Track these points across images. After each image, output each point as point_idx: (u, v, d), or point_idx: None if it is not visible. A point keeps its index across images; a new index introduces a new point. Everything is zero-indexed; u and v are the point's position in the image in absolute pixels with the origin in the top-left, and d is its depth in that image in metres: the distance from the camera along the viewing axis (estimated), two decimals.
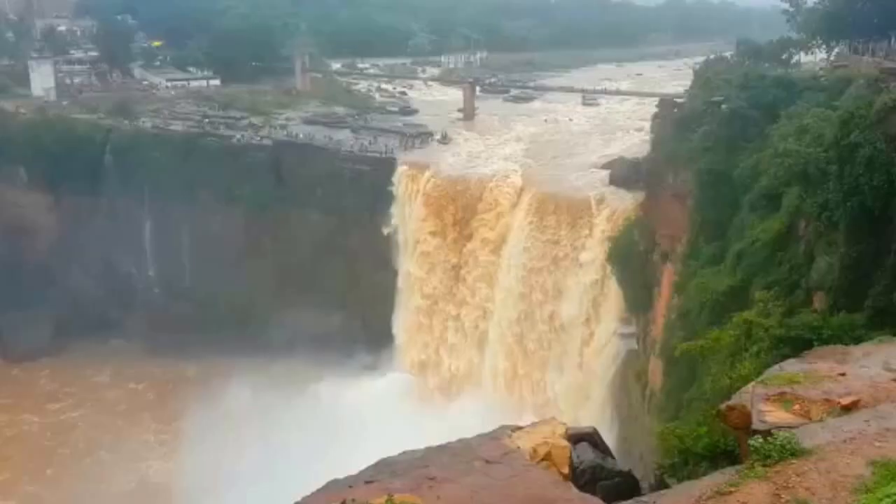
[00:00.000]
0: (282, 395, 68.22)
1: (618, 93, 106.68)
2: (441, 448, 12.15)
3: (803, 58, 66.06)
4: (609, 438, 19.24)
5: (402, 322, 74.87)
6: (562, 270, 63.39)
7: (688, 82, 72.48)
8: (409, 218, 74.16)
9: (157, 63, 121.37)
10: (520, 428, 13.02)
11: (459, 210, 70.86)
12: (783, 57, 63.31)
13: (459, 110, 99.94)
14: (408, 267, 74.24)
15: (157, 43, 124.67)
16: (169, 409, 73.25)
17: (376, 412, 62.80)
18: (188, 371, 79.98)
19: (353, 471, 11.82)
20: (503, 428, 12.96)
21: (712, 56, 77.19)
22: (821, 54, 65.82)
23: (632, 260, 55.90)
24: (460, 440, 12.40)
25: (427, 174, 73.83)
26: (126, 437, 72.62)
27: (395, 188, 75.35)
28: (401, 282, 75.24)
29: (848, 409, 12.50)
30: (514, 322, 66.02)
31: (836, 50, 61.98)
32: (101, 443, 71.99)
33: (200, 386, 72.76)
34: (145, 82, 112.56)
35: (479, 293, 69.18)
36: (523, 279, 65.44)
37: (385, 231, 76.28)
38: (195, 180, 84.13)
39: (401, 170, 75.66)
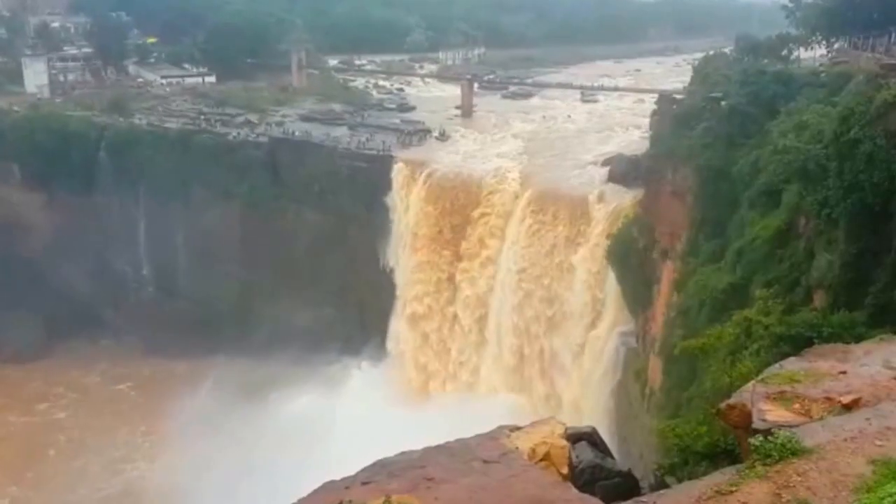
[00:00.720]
0: (276, 396, 68.31)
1: (616, 89, 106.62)
2: (439, 448, 12.12)
3: (803, 54, 65.98)
4: (608, 438, 19.25)
5: (399, 321, 74.86)
6: (560, 268, 63.39)
7: (687, 78, 72.49)
8: (406, 215, 74.11)
9: (152, 60, 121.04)
10: (518, 428, 13.00)
11: (457, 208, 70.81)
12: (783, 53, 63.24)
13: (457, 107, 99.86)
14: (405, 265, 74.19)
15: (151, 39, 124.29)
16: (160, 410, 72.68)
17: (370, 414, 62.83)
18: (181, 371, 79.68)
19: (349, 472, 11.79)
20: (501, 428, 12.93)
21: (711, 52, 77.02)
22: (820, 50, 65.74)
23: (631, 257, 55.92)
24: (458, 440, 12.37)
25: (425, 171, 73.77)
26: (114, 438, 72.35)
27: (393, 185, 75.28)
28: (398, 280, 75.21)
29: (849, 407, 12.50)
30: (513, 318, 66.00)
31: (836, 46, 61.91)
32: (88, 444, 71.62)
33: (193, 386, 72.65)
34: (140, 79, 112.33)
35: (477, 289, 69.15)
36: (521, 276, 65.43)
37: (383, 229, 76.21)
38: (190, 178, 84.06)
39: (398, 167, 75.61)
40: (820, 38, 63.50)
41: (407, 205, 74.05)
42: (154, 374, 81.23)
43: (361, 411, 63.60)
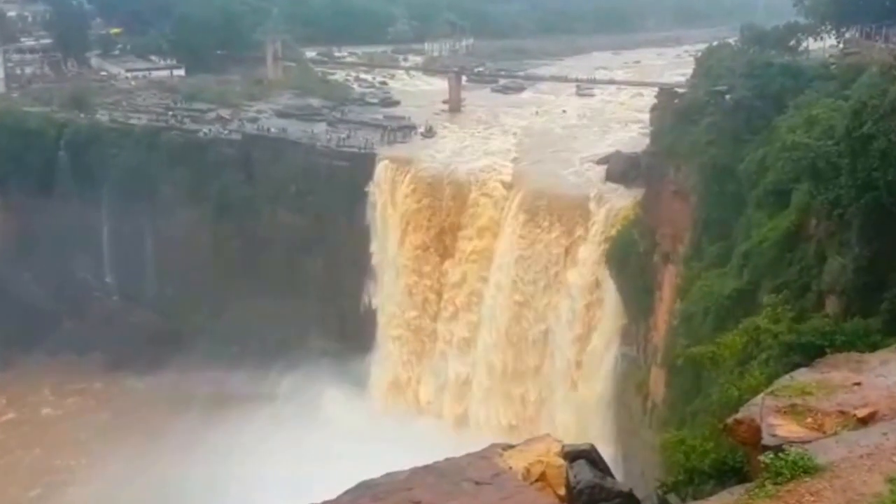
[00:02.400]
0: (249, 414, 68.13)
1: (614, 82, 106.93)
2: (427, 469, 12.03)
3: (812, 44, 66.39)
4: (608, 455, 19.20)
5: (383, 334, 74.74)
6: (555, 273, 63.48)
7: (689, 71, 72.79)
8: (390, 217, 74.06)
9: (116, 52, 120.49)
10: (511, 446, 12.92)
11: (445, 210, 70.84)
12: (791, 43, 63.62)
13: (444, 102, 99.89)
14: (388, 272, 74.11)
15: (115, 30, 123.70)
16: (122, 431, 71.78)
17: (352, 434, 62.78)
18: (146, 386, 79.14)
19: (330, 495, 11.68)
20: (493, 446, 12.85)
21: (715, 43, 77.48)
22: (831, 40, 66.13)
23: (630, 262, 56.11)
24: (447, 460, 12.29)
25: (410, 171, 73.74)
26: (67, 462, 71.18)
27: (376, 185, 75.22)
28: (381, 289, 75.10)
29: (864, 421, 12.50)
30: (505, 327, 66.06)
31: (847, 36, 62.30)
32: (30, 468, 70.24)
33: (158, 402, 72.32)
34: (103, 72, 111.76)
35: (466, 298, 69.13)
36: (514, 282, 65.49)
37: (365, 233, 76.08)
38: (157, 178, 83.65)
39: (382, 166, 75.57)
40: (830, 27, 63.85)
41: (391, 206, 73.99)
42: (120, 391, 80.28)
43: (343, 431, 63.57)
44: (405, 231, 72.67)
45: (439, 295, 71.08)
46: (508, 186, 68.83)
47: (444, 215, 71.06)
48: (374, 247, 75.89)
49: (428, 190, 72.11)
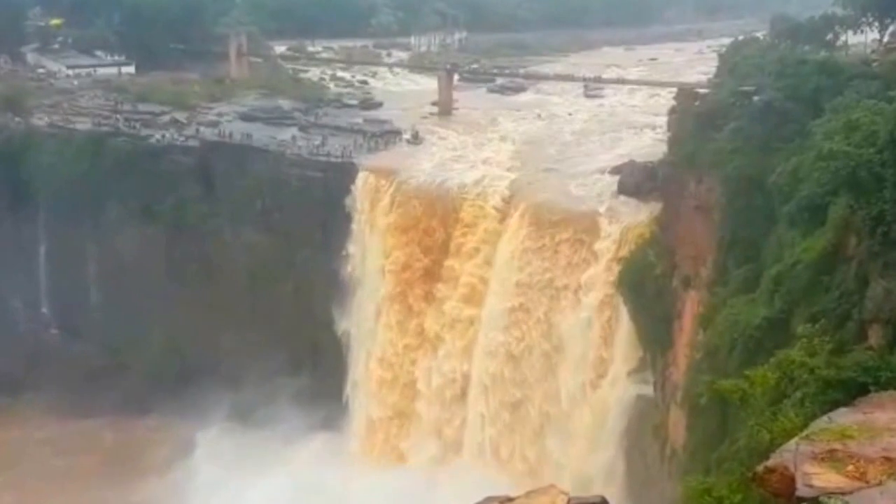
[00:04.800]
0: (204, 467, 67.79)
1: (627, 82, 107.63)
2: None
3: (851, 38, 67.15)
4: None
5: (362, 371, 74.56)
6: (561, 301, 63.51)
7: (712, 69, 73.54)
8: (370, 237, 74.07)
9: (56, 46, 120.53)
10: (511, 499, 12.93)
11: (434, 228, 70.89)
12: (827, 37, 64.35)
13: (433, 104, 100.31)
14: (368, 301, 74.03)
15: (55, 21, 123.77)
16: (54, 490, 70.45)
17: (330, 483, 62.45)
18: (90, 432, 78.51)
19: None
20: (490, 499, 12.86)
21: (741, 37, 78.44)
22: (873, 34, 66.89)
23: (646, 287, 56.18)
24: None
25: (394, 183, 73.86)
26: None
27: (354, 200, 75.30)
28: (360, 319, 74.99)
29: None
30: (503, 365, 65.91)
31: (891, 29, 63.08)
32: None
33: (105, 452, 71.72)
34: (41, 69, 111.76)
35: (457, 332, 69.06)
36: (513, 312, 65.44)
37: (341, 255, 76.10)
38: (103, 192, 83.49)
39: (361, 177, 75.67)
40: (872, 19, 64.55)
41: (372, 224, 74.03)
42: (56, 441, 79.18)
43: (315, 485, 63.33)
44: (388, 253, 72.58)
45: (426, 326, 70.88)
46: (506, 201, 68.93)
47: (433, 234, 71.04)
48: (351, 270, 75.77)
49: (414, 205, 72.14)
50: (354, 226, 75.34)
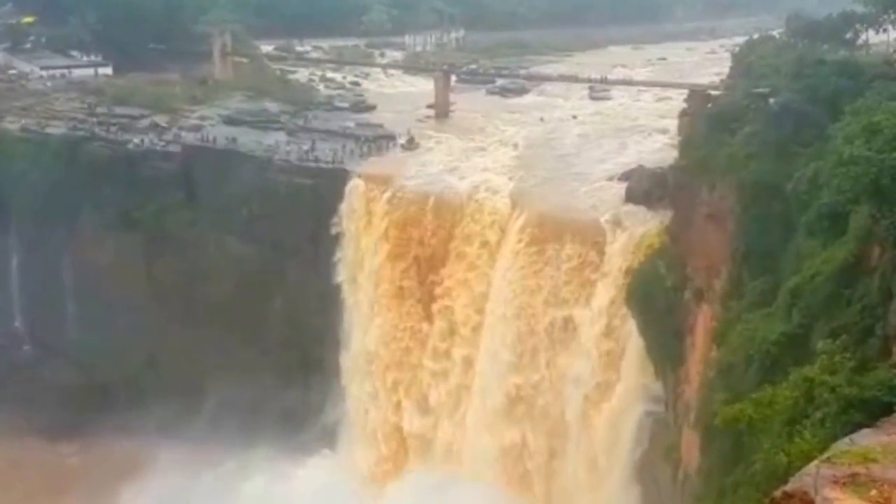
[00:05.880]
0: (187, 494, 67.62)
1: (635, 83, 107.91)
2: None
3: (872, 37, 67.39)
4: None
5: (355, 390, 74.50)
6: (565, 316, 63.54)
7: (725, 69, 73.81)
8: (363, 248, 74.13)
9: (29, 45, 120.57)
10: None
11: (430, 238, 71.00)
12: (846, 36, 64.56)
13: (430, 106, 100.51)
14: (361, 315, 74.03)
15: (28, 19, 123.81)
16: None
17: None
18: (66, 457, 78.29)
19: None
20: None
21: (756, 35, 78.79)
22: (895, 33, 67.18)
23: (657, 301, 56.21)
24: None
25: (388, 191, 73.97)
26: None
27: (346, 209, 75.38)
28: (352, 335, 74.99)
29: None
30: (505, 386, 65.92)
31: None
32: None
33: (82, 478, 71.43)
34: (12, 70, 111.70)
35: (456, 347, 69.09)
36: (516, 328, 65.48)
37: (332, 267, 76.14)
38: (79, 199, 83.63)
39: (353, 184, 75.78)
40: (894, 16, 64.82)
41: (365, 234, 74.10)
42: (30, 464, 79.13)
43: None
44: (382, 264, 72.64)
45: (422, 342, 70.90)
46: (507, 209, 69.05)
47: (429, 245, 71.14)
48: (343, 282, 75.83)
49: (409, 214, 72.25)
50: (346, 236, 75.38)
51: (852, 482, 13.00)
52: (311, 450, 73.35)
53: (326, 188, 76.91)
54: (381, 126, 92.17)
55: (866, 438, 14.70)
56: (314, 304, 76.70)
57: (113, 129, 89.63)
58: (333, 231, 75.78)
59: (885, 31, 67.32)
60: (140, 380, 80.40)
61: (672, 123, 77.72)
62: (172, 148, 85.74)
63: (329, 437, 74.81)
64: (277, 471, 70.83)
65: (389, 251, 72.35)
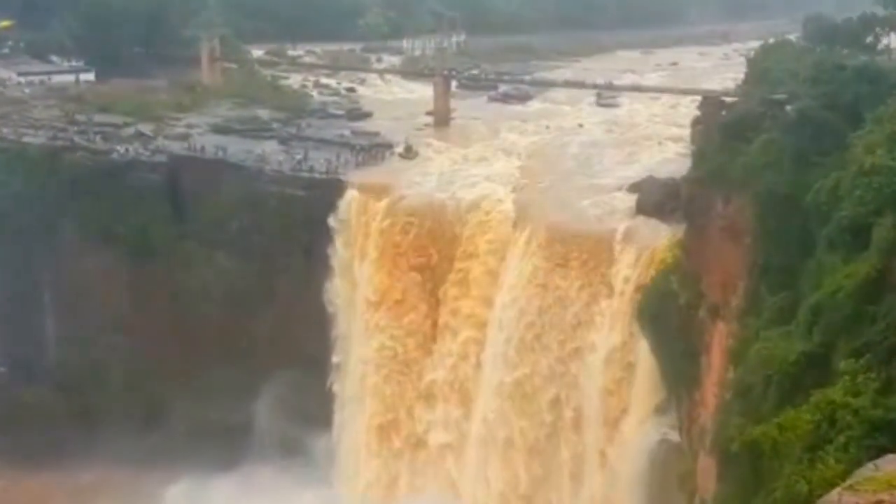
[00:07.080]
0: None
1: (645, 89, 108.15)
2: None
3: (894, 41, 67.61)
4: None
5: (349, 418, 74.40)
6: (573, 335, 63.57)
7: (740, 75, 73.89)
8: (359, 264, 74.19)
9: (6, 50, 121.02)
10: None
11: (430, 253, 71.09)
12: (867, 40, 64.74)
13: (429, 113, 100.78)
14: (356, 337, 74.05)
15: (5, 23, 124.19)
16: None
17: None
18: (43, 486, 78.04)
19: None
20: None
21: (772, 40, 78.89)
22: None
23: (669, 318, 56.21)
24: None
25: (385, 202, 74.09)
26: None
27: (341, 221, 75.47)
28: (347, 359, 74.95)
29: None
30: (510, 412, 65.93)
31: None
32: None
33: None
34: None
35: (456, 373, 69.14)
36: (520, 349, 65.50)
37: (326, 283, 76.19)
38: (59, 212, 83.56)
39: (349, 196, 75.90)
40: None
41: (361, 248, 74.17)
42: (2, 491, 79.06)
43: None
44: (379, 280, 72.71)
45: (422, 364, 70.89)
46: (511, 222, 69.16)
47: (429, 260, 71.20)
48: (338, 300, 75.88)
49: (408, 227, 72.34)
50: (341, 249, 75.44)
51: None
52: (304, 474, 73.08)
53: (320, 199, 76.99)
54: (377, 134, 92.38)
55: (892, 464, 14.68)
56: (308, 321, 76.56)
57: (95, 138, 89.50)
58: (328, 244, 75.80)
59: None
60: (123, 403, 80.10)
61: (684, 132, 77.91)
62: (158, 158, 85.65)
63: (321, 462, 74.52)
64: (272, 495, 70.57)
65: (387, 264, 72.39)
